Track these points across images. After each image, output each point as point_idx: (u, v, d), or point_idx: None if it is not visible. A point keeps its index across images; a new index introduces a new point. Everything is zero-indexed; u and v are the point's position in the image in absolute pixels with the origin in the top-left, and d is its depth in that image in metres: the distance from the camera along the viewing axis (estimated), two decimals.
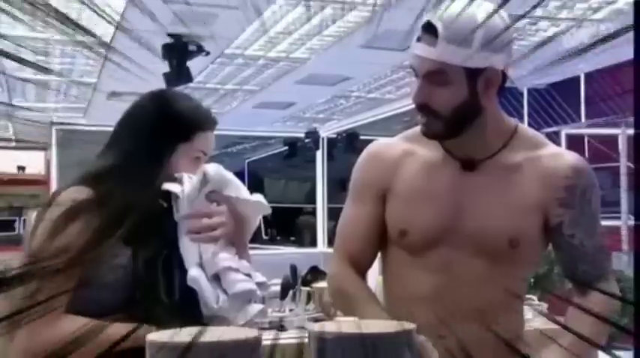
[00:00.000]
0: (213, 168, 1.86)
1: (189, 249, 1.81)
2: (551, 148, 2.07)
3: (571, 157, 2.04)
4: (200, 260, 1.81)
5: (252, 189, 1.98)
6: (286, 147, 11.74)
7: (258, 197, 1.96)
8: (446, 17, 1.84)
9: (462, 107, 1.91)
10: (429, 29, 1.86)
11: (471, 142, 1.99)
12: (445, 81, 1.89)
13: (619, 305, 1.97)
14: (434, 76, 1.89)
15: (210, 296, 1.78)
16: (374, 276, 2.70)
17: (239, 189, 1.91)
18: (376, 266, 2.23)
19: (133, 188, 1.79)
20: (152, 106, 1.96)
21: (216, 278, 1.81)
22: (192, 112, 1.95)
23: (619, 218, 7.42)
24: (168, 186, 1.84)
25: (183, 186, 1.84)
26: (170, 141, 1.91)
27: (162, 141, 1.90)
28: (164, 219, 1.83)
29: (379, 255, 2.15)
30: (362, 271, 2.10)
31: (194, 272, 1.78)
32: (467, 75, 1.88)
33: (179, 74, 6.40)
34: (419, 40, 1.90)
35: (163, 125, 1.90)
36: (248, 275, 1.85)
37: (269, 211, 1.96)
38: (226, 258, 1.83)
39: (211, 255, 1.81)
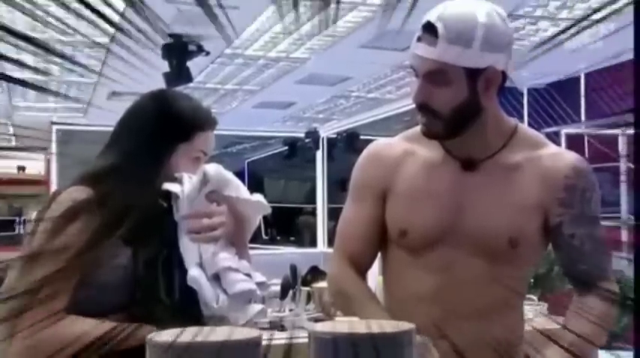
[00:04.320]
0: (213, 168, 1.86)
1: (189, 249, 1.81)
2: (551, 148, 2.07)
3: (571, 157, 2.04)
4: (200, 260, 1.81)
5: (252, 189, 1.97)
6: (286, 147, 11.70)
7: (258, 197, 1.96)
8: (446, 17, 1.84)
9: (462, 107, 1.91)
10: (430, 29, 1.86)
11: (471, 142, 1.99)
12: (445, 81, 1.88)
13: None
14: (434, 75, 1.89)
15: (210, 296, 1.78)
16: (374, 276, 2.70)
17: (239, 189, 1.91)
18: (376, 266, 2.23)
19: (133, 188, 1.79)
20: (152, 106, 1.95)
21: (216, 278, 1.81)
22: (193, 112, 1.95)
23: (619, 218, 7.40)
24: (168, 186, 1.84)
25: (183, 186, 1.84)
26: (170, 141, 1.91)
27: (163, 141, 1.90)
28: (164, 218, 1.83)
29: (379, 255, 2.15)
30: (362, 271, 2.10)
31: (194, 272, 1.78)
32: (467, 75, 1.87)
33: (179, 74, 6.39)
34: (419, 39, 1.89)
35: (163, 125, 1.90)
36: (248, 275, 1.85)
37: (269, 211, 1.96)
38: (226, 258, 1.83)
39: (211, 255, 1.81)
